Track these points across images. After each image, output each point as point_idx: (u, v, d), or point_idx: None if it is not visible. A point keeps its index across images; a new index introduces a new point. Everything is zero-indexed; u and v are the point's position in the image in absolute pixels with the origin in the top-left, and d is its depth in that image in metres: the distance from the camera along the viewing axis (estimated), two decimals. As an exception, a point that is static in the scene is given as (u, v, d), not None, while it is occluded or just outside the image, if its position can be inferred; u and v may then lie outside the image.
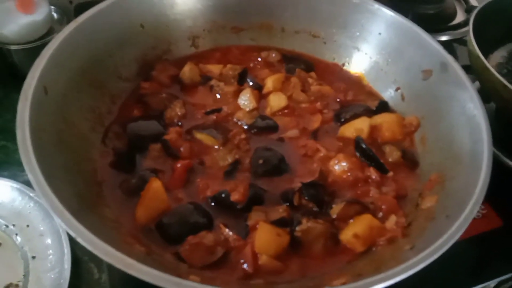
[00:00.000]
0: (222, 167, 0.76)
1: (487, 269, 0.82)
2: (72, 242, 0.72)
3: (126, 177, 0.73)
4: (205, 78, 0.91)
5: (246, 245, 0.66)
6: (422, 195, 0.75)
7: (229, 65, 0.93)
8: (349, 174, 0.77)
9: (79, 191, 0.66)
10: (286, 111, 0.88)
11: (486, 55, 0.90)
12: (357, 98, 0.92)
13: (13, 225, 0.77)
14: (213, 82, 0.90)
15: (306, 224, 0.68)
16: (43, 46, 0.73)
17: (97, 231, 0.55)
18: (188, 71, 0.90)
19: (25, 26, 0.94)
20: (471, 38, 0.88)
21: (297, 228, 0.68)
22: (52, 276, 0.71)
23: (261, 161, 0.76)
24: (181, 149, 0.77)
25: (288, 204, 0.72)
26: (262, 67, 0.96)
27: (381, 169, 0.79)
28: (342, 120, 0.87)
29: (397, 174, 0.79)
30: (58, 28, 1.00)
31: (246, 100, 0.87)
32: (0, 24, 0.93)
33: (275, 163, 0.77)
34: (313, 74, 0.96)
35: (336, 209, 0.72)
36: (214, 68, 0.93)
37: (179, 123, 0.83)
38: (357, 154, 0.81)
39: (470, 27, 0.90)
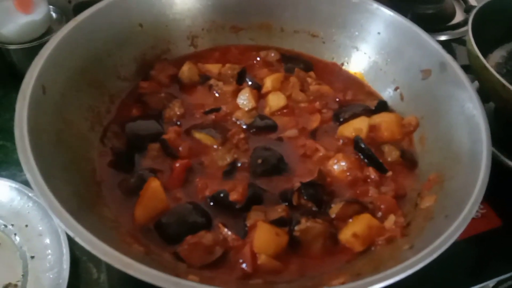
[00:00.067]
0: (221, 166, 0.76)
1: (486, 269, 0.82)
2: (71, 242, 0.72)
3: (125, 177, 0.73)
4: (204, 78, 0.91)
5: (245, 244, 0.66)
6: (421, 194, 0.75)
7: (228, 65, 0.93)
8: (348, 173, 0.77)
9: (77, 190, 0.66)
10: (285, 110, 0.88)
11: (485, 55, 0.90)
12: (356, 97, 0.92)
13: (12, 225, 0.77)
14: (212, 81, 0.90)
15: (305, 223, 0.68)
16: (41, 45, 0.73)
17: (96, 230, 0.55)
18: (187, 71, 0.90)
19: (23, 25, 0.94)
20: (470, 38, 0.88)
21: (296, 228, 0.68)
22: (51, 276, 0.71)
23: (260, 161, 0.76)
24: (180, 148, 0.77)
25: (287, 203, 0.72)
26: (261, 67, 0.96)
27: (380, 168, 0.79)
28: (341, 119, 0.87)
29: (396, 173, 0.79)
30: (57, 28, 1.00)
31: (245, 99, 0.87)
32: (-1, 24, 0.93)
33: (274, 162, 0.77)
34: (312, 73, 0.96)
35: (335, 209, 0.72)
36: (213, 68, 0.93)
37: (178, 123, 0.83)
38: (356, 153, 0.81)
39: (469, 27, 0.90)
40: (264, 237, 0.66)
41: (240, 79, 0.92)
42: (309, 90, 0.91)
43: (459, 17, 1.24)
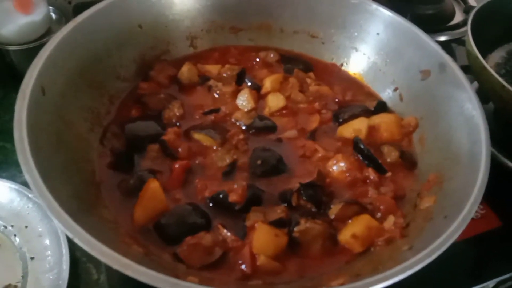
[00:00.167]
0: (220, 167, 0.76)
1: (486, 270, 0.82)
2: (71, 243, 0.72)
3: (124, 178, 0.73)
4: (203, 79, 0.91)
5: (244, 245, 0.66)
6: (421, 195, 0.75)
7: (227, 65, 0.93)
8: (347, 174, 0.77)
9: (77, 191, 0.66)
10: (284, 111, 0.88)
11: (484, 55, 0.90)
12: (356, 98, 0.92)
13: (12, 226, 0.77)
14: (211, 82, 0.90)
15: (304, 224, 0.68)
16: (41, 46, 0.73)
17: (95, 231, 0.55)
18: (186, 71, 0.90)
19: (23, 26, 0.94)
20: (470, 38, 0.88)
21: (295, 229, 0.68)
22: (51, 277, 0.71)
23: (259, 162, 0.76)
24: (179, 149, 0.77)
25: (286, 204, 0.72)
26: (260, 68, 0.96)
27: (380, 169, 0.79)
28: (341, 120, 0.87)
29: (396, 174, 0.79)
30: (56, 29, 0.99)
31: (244, 100, 0.87)
32: (-1, 25, 0.93)
33: (274, 163, 0.77)
34: (311, 74, 0.96)
35: (334, 210, 0.72)
36: (213, 69, 0.93)
37: (177, 124, 0.83)
38: (356, 154, 0.81)
39: (468, 27, 0.90)
40: (263, 238, 0.66)
41: (239, 80, 0.92)
42: (309, 91, 0.91)
43: (458, 17, 1.24)
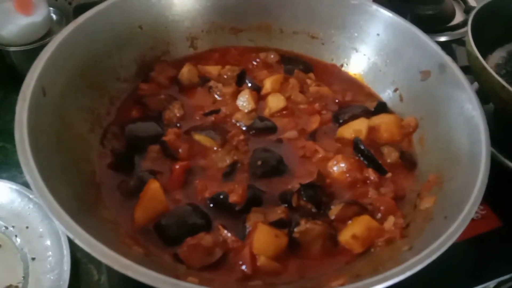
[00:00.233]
0: (220, 168, 0.76)
1: (486, 270, 0.82)
2: (72, 243, 0.72)
3: (125, 179, 0.73)
4: (204, 79, 0.91)
5: (244, 246, 0.66)
6: (420, 196, 0.75)
7: (227, 66, 0.93)
8: (347, 175, 0.77)
9: (77, 192, 0.66)
10: (284, 112, 0.88)
11: (484, 56, 0.90)
12: (356, 99, 0.92)
13: (13, 226, 0.77)
14: (211, 83, 0.90)
15: (304, 225, 0.68)
16: (42, 47, 0.73)
17: (96, 232, 0.55)
18: (186, 72, 0.90)
19: (24, 27, 0.94)
20: (470, 39, 0.88)
21: (296, 229, 0.68)
22: (52, 277, 0.71)
23: (259, 162, 0.76)
24: (180, 150, 0.78)
25: (286, 205, 0.72)
26: (260, 68, 0.96)
27: (380, 170, 0.79)
28: (341, 121, 0.87)
29: (396, 175, 0.80)
30: (57, 30, 1.00)
31: (244, 101, 0.87)
32: (-1, 26, 0.93)
33: (274, 164, 0.77)
34: (311, 75, 0.96)
35: (334, 210, 0.72)
36: (213, 69, 0.93)
37: (178, 124, 0.83)
38: (356, 155, 0.81)
39: (468, 27, 0.89)
40: (263, 239, 0.66)
41: (239, 81, 0.92)
42: (309, 92, 0.92)
43: (459, 17, 1.24)
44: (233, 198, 0.70)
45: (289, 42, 1.00)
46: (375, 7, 0.92)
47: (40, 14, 0.96)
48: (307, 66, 0.98)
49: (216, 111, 0.86)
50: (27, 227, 0.77)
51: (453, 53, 1.17)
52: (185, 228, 0.67)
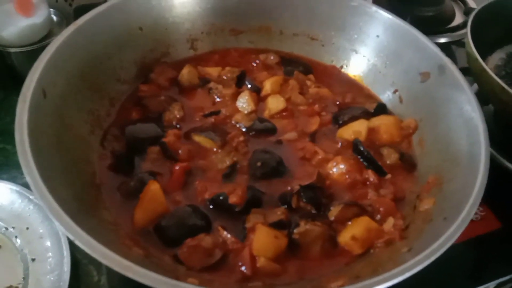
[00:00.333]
0: (220, 169, 0.77)
1: (486, 271, 0.82)
2: (72, 244, 0.72)
3: (125, 180, 0.74)
4: (204, 81, 0.92)
5: (244, 247, 0.66)
6: (420, 197, 0.75)
7: (227, 68, 0.94)
8: (347, 176, 0.77)
9: (77, 193, 0.66)
10: (284, 113, 0.88)
11: (484, 57, 0.90)
12: (356, 100, 0.93)
13: (13, 227, 0.77)
14: (211, 84, 0.90)
15: (304, 226, 0.68)
16: (42, 48, 0.74)
17: (96, 233, 0.55)
18: (186, 74, 0.90)
19: (24, 28, 0.94)
20: (469, 40, 0.88)
21: (295, 231, 0.68)
22: (52, 278, 0.71)
23: (259, 164, 0.77)
24: (180, 151, 0.78)
25: (286, 206, 0.73)
26: (260, 70, 0.96)
27: (379, 171, 0.79)
28: (340, 122, 0.87)
29: (395, 176, 0.80)
30: (57, 31, 1.00)
31: (244, 102, 0.87)
32: (0, 27, 0.93)
33: (273, 165, 0.77)
34: (311, 76, 0.96)
35: (334, 212, 0.72)
36: (213, 71, 0.93)
37: (178, 126, 0.83)
38: (355, 156, 0.81)
39: (468, 29, 0.90)
40: (263, 240, 0.66)
41: (239, 82, 0.92)
42: (308, 93, 0.92)
43: (458, 19, 1.24)
44: (233, 199, 0.70)
45: (289, 43, 1.01)
46: (374, 8, 0.93)
47: (41, 15, 0.96)
48: (307, 67, 0.98)
49: (216, 113, 0.86)
50: (27, 228, 0.77)
51: (453, 55, 1.17)
52: (185, 229, 0.67)
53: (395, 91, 0.92)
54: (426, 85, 0.86)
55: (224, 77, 0.92)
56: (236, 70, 0.93)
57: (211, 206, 0.72)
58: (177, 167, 0.75)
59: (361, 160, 0.81)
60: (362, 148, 0.81)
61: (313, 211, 0.72)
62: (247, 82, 0.92)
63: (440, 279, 0.76)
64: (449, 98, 0.81)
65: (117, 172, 0.75)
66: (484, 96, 0.89)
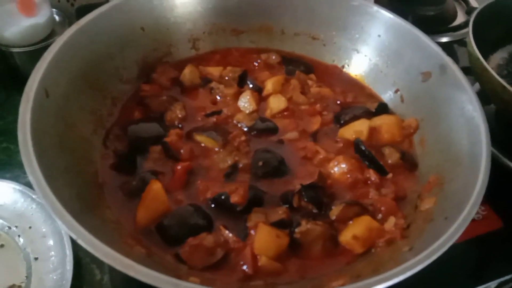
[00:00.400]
0: (222, 169, 0.77)
1: (487, 270, 0.82)
2: (74, 243, 0.72)
3: (127, 179, 0.74)
4: (205, 81, 0.92)
5: (245, 246, 0.67)
6: (421, 196, 0.75)
7: (229, 68, 0.94)
8: (348, 176, 0.77)
9: (80, 193, 0.66)
10: (285, 113, 0.88)
11: (486, 57, 0.90)
12: (357, 100, 0.93)
13: (16, 226, 0.78)
14: (213, 84, 0.91)
15: (305, 225, 0.68)
16: (45, 48, 0.74)
17: (98, 232, 0.56)
18: (188, 74, 0.91)
19: (27, 28, 0.95)
20: (471, 39, 0.88)
21: (297, 230, 0.68)
22: (54, 277, 0.72)
23: (261, 163, 0.77)
24: (181, 151, 0.78)
25: (287, 205, 0.73)
26: (262, 69, 0.97)
27: (381, 171, 0.79)
28: (342, 122, 0.87)
29: (396, 176, 0.80)
30: (60, 31, 1.00)
31: (246, 102, 0.87)
32: (2, 27, 0.93)
33: (275, 165, 0.77)
34: (312, 76, 0.96)
35: (335, 211, 0.72)
36: (214, 71, 0.94)
37: (180, 125, 0.84)
38: (357, 156, 0.81)
39: (469, 28, 0.90)
40: (264, 239, 0.67)
41: (241, 82, 0.92)
42: (310, 93, 0.92)
43: (460, 18, 1.24)
44: (234, 199, 0.71)
45: (290, 43, 1.01)
46: (376, 8, 0.93)
47: (43, 15, 0.97)
48: (308, 67, 0.98)
49: (218, 112, 0.86)
50: (30, 227, 0.77)
51: (455, 54, 1.17)
52: (187, 229, 0.67)
53: (396, 91, 0.92)
54: (428, 84, 0.86)
55: (226, 77, 0.92)
56: (237, 69, 0.93)
57: (212, 206, 0.72)
58: (179, 167, 0.75)
59: (363, 159, 0.81)
60: (363, 148, 0.81)
61: (315, 211, 0.72)
62: (248, 82, 0.92)
63: (441, 278, 0.75)
64: (451, 97, 0.81)
65: (119, 171, 0.76)
66: (486, 96, 0.89)
